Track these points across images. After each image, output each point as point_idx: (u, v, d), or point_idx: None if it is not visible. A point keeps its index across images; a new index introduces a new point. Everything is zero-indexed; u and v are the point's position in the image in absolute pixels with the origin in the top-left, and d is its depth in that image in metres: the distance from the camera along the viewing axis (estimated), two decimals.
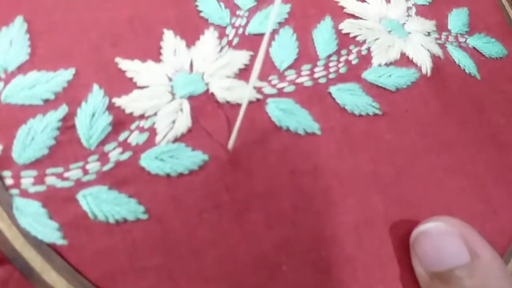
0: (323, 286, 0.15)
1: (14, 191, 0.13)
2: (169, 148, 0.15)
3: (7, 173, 0.14)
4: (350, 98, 0.18)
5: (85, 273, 0.13)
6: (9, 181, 0.14)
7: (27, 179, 0.14)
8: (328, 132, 0.17)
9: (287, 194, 0.15)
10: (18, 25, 0.15)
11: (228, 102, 0.16)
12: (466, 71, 0.20)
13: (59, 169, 0.14)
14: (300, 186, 0.16)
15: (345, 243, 0.15)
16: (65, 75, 0.15)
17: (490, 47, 0.21)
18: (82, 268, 0.13)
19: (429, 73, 0.19)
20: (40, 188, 0.14)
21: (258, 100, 0.16)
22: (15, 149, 0.14)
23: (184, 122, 0.15)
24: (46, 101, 0.14)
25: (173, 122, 0.15)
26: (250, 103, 0.16)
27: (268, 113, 0.16)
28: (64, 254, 0.13)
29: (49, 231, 0.13)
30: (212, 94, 0.16)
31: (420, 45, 0.20)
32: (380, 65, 0.19)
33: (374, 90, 0.18)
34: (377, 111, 0.18)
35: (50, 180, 0.14)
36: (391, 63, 0.19)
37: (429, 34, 0.20)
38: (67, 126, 0.14)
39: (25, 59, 0.15)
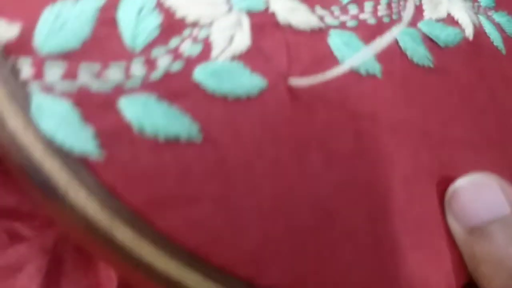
0: (374, 235, 0.13)
1: (35, 85, 0.10)
2: (227, 66, 0.12)
3: (25, 61, 0.10)
4: (411, 44, 0.16)
5: (124, 196, 0.10)
6: (28, 71, 0.10)
7: (54, 72, 0.10)
8: (388, 76, 0.15)
9: (346, 136, 0.14)
10: None
11: (290, 25, 0.14)
12: (494, 43, 0.20)
13: (96, 66, 0.11)
14: (359, 130, 0.14)
15: (396, 195, 0.14)
16: None
17: (511, 25, 0.21)
18: (120, 190, 0.10)
19: (471, 37, 0.19)
20: (71, 85, 0.10)
21: (320, 29, 0.14)
22: (38, 33, 0.10)
23: (243, 39, 0.13)
24: None
25: (231, 37, 0.13)
26: (312, 32, 0.14)
27: (330, 45, 0.14)
28: (98, 170, 0.10)
29: (81, 137, 0.10)
30: (273, 13, 0.14)
31: (463, 8, 0.19)
32: (431, 19, 0.18)
33: (428, 42, 0.17)
34: (430, 64, 0.17)
35: (84, 78, 0.11)
36: (440, 20, 0.18)
37: (465, 0, 0.20)
38: (107, 18, 0.11)
39: None
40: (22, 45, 0.10)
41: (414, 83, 0.16)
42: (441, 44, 0.17)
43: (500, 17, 0.22)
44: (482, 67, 0.19)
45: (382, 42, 0.15)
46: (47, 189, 0.10)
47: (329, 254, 0.12)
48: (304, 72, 0.14)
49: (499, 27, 0.21)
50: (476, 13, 0.21)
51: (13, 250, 0.18)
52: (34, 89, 0.10)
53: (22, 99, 0.10)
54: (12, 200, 0.18)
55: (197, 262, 0.11)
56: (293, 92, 0.13)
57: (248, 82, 0.12)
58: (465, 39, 0.19)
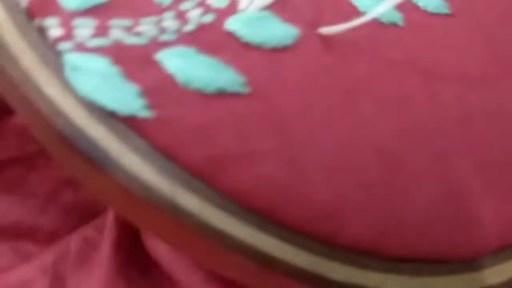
0: (444, 178, 0.12)
1: (66, 45, 0.09)
2: (257, 15, 0.11)
3: (52, 21, 0.09)
4: None
5: (181, 158, 0.09)
6: (56, 32, 0.09)
7: (84, 30, 0.09)
8: (409, 25, 0.15)
9: (388, 82, 0.13)
10: None
11: None
12: None
13: (127, 22, 0.10)
14: (399, 75, 0.13)
15: (454, 137, 0.13)
16: None
17: None
18: (176, 152, 0.09)
19: None
20: (104, 41, 0.09)
21: None
22: None
23: None
24: None
25: None
26: None
27: None
28: (149, 133, 0.09)
29: (126, 97, 0.09)
30: None
31: None
32: None
33: None
34: (447, 11, 0.16)
35: (117, 34, 0.09)
36: None
37: None
38: None
39: None
40: (46, 4, 0.09)
41: (437, 29, 0.15)
42: None
43: None
44: (505, 8, 0.19)
45: None
46: (95, 158, 0.09)
47: (403, 203, 0.11)
48: (331, 22, 0.13)
49: None
50: None
51: (16, 270, 0.17)
52: (66, 49, 0.09)
53: (54, 63, 0.09)
54: (13, 214, 0.18)
55: (270, 224, 0.10)
56: (326, 41, 0.13)
57: (281, 31, 0.12)
58: None
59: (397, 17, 0.15)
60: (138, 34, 0.10)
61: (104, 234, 0.16)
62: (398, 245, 0.11)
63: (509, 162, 0.14)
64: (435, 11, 0.16)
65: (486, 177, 0.13)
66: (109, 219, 0.16)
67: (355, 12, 0.14)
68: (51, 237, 0.18)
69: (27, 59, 0.09)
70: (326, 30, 0.13)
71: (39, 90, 0.09)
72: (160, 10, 0.10)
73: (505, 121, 0.15)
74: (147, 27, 0.10)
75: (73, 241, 0.17)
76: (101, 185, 0.09)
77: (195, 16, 0.11)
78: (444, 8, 0.16)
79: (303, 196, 0.10)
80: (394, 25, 0.15)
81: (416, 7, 0.16)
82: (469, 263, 0.12)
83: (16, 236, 0.18)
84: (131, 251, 0.17)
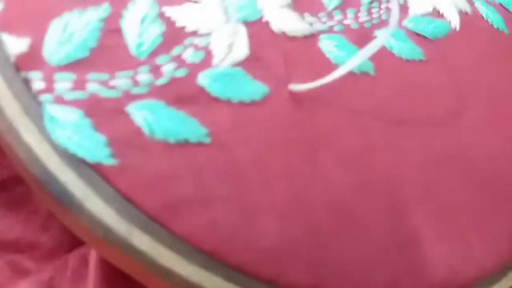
0: (395, 231, 0.13)
1: (46, 96, 0.10)
2: (229, 72, 0.12)
3: (36, 75, 0.10)
4: (396, 42, 0.16)
5: (140, 202, 0.10)
6: (39, 85, 0.10)
7: (64, 83, 0.10)
8: (381, 73, 0.15)
9: (351, 134, 0.14)
10: None
11: (284, 33, 0.14)
12: (494, 26, 0.20)
13: (104, 76, 0.11)
14: (364, 127, 0.14)
15: (414, 185, 0.14)
16: None
17: None
18: (136, 197, 0.10)
19: (457, 28, 0.19)
20: (81, 94, 0.10)
21: (312, 34, 0.15)
22: (47, 45, 0.10)
23: (241, 48, 0.13)
24: None
25: (230, 46, 0.13)
26: (304, 37, 0.14)
27: (322, 49, 0.15)
28: (112, 178, 0.10)
29: (94, 146, 0.10)
30: (267, 22, 0.14)
31: (448, 1, 0.20)
32: (416, 15, 0.18)
33: (415, 37, 0.17)
34: (421, 57, 0.17)
35: (93, 87, 0.11)
36: (425, 15, 0.18)
37: None
38: (111, 29, 0.11)
39: None
40: (31, 58, 0.10)
41: (408, 75, 0.16)
42: (430, 36, 0.18)
43: None
44: (478, 51, 0.19)
45: (374, 46, 0.15)
46: (64, 200, 0.10)
47: (350, 253, 0.12)
48: (303, 77, 0.14)
49: (500, 8, 0.22)
50: (471, 0, 0.21)
51: (14, 285, 0.18)
52: (46, 100, 0.10)
53: (35, 112, 0.10)
54: (14, 232, 0.18)
55: (216, 265, 0.11)
56: (294, 97, 0.13)
57: (251, 87, 0.13)
58: (453, 30, 0.19)
59: (369, 67, 0.15)
60: (112, 87, 0.11)
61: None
62: None
63: (466, 207, 0.15)
64: (410, 57, 0.17)
65: (440, 224, 0.14)
66: None
67: (328, 65, 0.15)
68: (49, 255, 0.18)
69: (11, 108, 0.10)
70: (296, 87, 0.13)
71: (19, 138, 0.10)
72: (136, 64, 0.11)
73: (467, 166, 0.16)
74: (122, 81, 0.11)
75: (71, 259, 0.17)
76: (70, 223, 0.10)
77: (168, 70, 0.12)
78: (419, 55, 0.17)
79: (250, 240, 0.11)
80: (365, 74, 0.15)
81: (391, 54, 0.17)
82: None
83: (15, 252, 0.18)
84: None
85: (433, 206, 0.14)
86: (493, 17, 0.20)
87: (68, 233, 0.17)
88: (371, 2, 0.17)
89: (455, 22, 0.19)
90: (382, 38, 0.15)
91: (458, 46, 0.19)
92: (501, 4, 0.21)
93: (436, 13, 0.19)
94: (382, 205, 0.13)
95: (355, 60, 0.14)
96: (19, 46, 0.10)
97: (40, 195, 0.10)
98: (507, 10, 0.21)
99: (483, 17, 0.20)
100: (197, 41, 0.12)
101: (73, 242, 0.17)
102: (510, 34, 0.20)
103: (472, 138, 0.16)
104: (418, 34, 0.18)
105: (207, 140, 0.11)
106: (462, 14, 0.20)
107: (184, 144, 0.11)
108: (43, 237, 0.18)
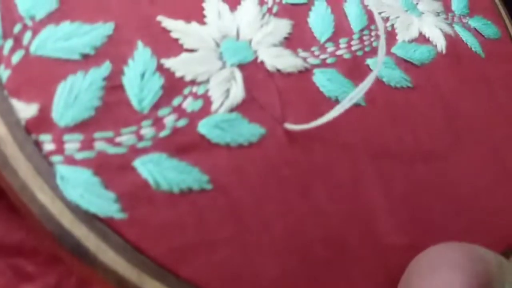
0: (384, 259, 0.14)
1: (57, 158, 0.11)
2: (227, 118, 0.13)
3: (46, 137, 0.11)
4: (385, 70, 0.17)
5: (149, 250, 0.11)
6: (49, 147, 0.11)
7: (72, 144, 0.11)
8: (372, 103, 0.16)
9: (342, 167, 0.14)
10: None
11: (278, 70, 0.15)
12: (473, 49, 0.21)
13: (109, 133, 0.11)
14: (352, 159, 0.15)
15: (399, 214, 0.15)
16: (104, 29, 0.12)
17: (488, 28, 0.22)
18: (144, 245, 0.11)
19: (444, 51, 0.20)
20: (89, 154, 0.11)
21: (306, 69, 0.15)
22: (55, 108, 0.11)
23: (238, 92, 0.13)
24: (86, 56, 0.12)
25: (227, 91, 0.13)
26: (299, 73, 0.15)
27: (316, 83, 0.15)
28: (123, 230, 0.11)
29: (104, 203, 0.11)
30: (262, 62, 0.14)
31: (433, 24, 0.20)
32: (404, 42, 0.19)
33: (403, 64, 0.18)
34: (409, 84, 0.18)
35: (100, 145, 0.11)
36: (412, 40, 0.19)
37: (438, 14, 0.21)
38: (114, 85, 0.12)
39: (55, 7, 0.12)
40: (41, 122, 0.11)
41: (397, 104, 0.17)
42: (417, 63, 0.18)
43: (475, 22, 0.23)
44: (462, 74, 0.20)
45: (358, 75, 0.16)
46: (78, 253, 0.10)
47: (343, 281, 0.13)
48: (298, 114, 0.15)
49: (475, 32, 0.22)
50: (451, 24, 0.22)
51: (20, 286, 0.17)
52: (57, 162, 0.11)
53: (47, 172, 0.11)
54: (16, 237, 0.18)
55: None
56: (290, 135, 0.14)
57: (248, 130, 0.13)
58: (439, 54, 0.20)
59: (361, 99, 0.16)
60: (118, 144, 0.11)
61: None
62: None
63: (446, 236, 0.16)
64: (398, 85, 0.17)
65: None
66: None
67: (322, 99, 0.16)
68: (53, 259, 0.17)
69: (24, 169, 0.11)
70: (292, 127, 0.14)
71: (34, 197, 0.10)
72: (140, 119, 0.12)
73: (451, 198, 0.16)
74: (127, 137, 0.12)
75: None
76: (83, 273, 0.11)
77: (170, 121, 0.12)
78: (406, 82, 0.18)
79: (252, 278, 0.12)
80: (357, 105, 0.16)
81: (380, 83, 0.17)
82: None
83: (17, 256, 0.17)
84: None
85: (415, 236, 0.15)
86: (471, 41, 0.21)
87: None
88: (362, 30, 0.18)
89: (441, 45, 0.20)
90: (375, 71, 0.16)
91: (444, 70, 0.19)
92: (475, 29, 0.22)
93: (422, 38, 0.20)
94: (369, 236, 0.14)
95: (353, 97, 0.15)
96: (29, 111, 0.11)
97: (54, 249, 0.11)
98: (481, 34, 0.22)
99: (463, 41, 0.21)
100: (195, 89, 0.13)
101: None
102: (485, 58, 0.21)
103: (458, 170, 0.17)
104: (406, 61, 0.18)
105: (208, 186, 0.12)
106: (447, 35, 0.21)
107: (187, 193, 0.12)
108: (46, 241, 0.17)
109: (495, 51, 0.22)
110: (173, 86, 0.13)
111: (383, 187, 0.15)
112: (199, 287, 0.11)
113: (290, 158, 0.14)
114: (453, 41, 0.21)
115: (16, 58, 0.12)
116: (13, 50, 0.12)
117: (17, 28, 0.12)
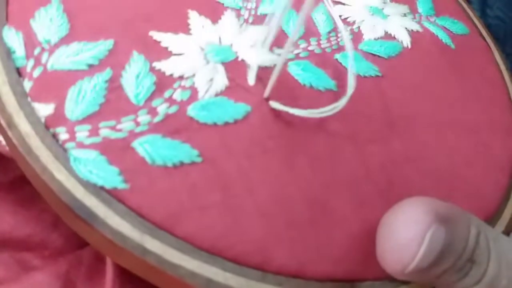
0: (364, 218, 0.14)
1: (70, 144, 0.13)
2: (213, 101, 0.14)
3: (61, 129, 0.13)
4: (354, 63, 0.18)
5: (148, 215, 0.12)
6: (64, 136, 0.13)
7: (82, 133, 0.13)
8: (343, 89, 0.17)
9: (320, 141, 0.16)
10: (56, 5, 0.15)
11: (257, 65, 0.16)
12: (443, 41, 0.22)
13: (112, 122, 0.13)
14: (331, 133, 0.16)
15: (378, 181, 0.15)
16: (105, 44, 0.14)
17: (456, 26, 0.23)
18: (144, 211, 0.12)
19: (409, 46, 0.21)
20: (96, 139, 0.13)
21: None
22: (67, 106, 0.13)
23: (222, 80, 0.15)
24: (91, 66, 0.14)
25: (211, 80, 0.15)
26: (275, 66, 0.17)
27: (291, 73, 0.17)
28: (126, 199, 0.12)
29: (110, 176, 0.12)
30: (242, 60, 0.16)
31: (398, 24, 0.21)
32: (370, 39, 0.20)
33: (371, 57, 0.19)
34: (378, 73, 0.19)
35: (104, 132, 0.13)
36: (378, 38, 0.20)
37: (405, 15, 0.22)
38: (114, 86, 0.14)
39: (66, 33, 0.14)
40: (57, 118, 0.13)
41: (367, 89, 0.18)
42: (384, 55, 0.20)
43: (443, 21, 0.24)
44: (432, 63, 0.21)
45: (329, 66, 0.17)
46: (90, 220, 0.12)
47: (325, 239, 0.13)
48: (279, 95, 0.16)
49: (445, 29, 0.24)
50: (419, 22, 0.23)
51: (28, 277, 0.18)
52: (70, 147, 0.12)
53: (63, 157, 0.12)
54: (24, 231, 0.18)
55: (215, 259, 0.12)
56: (274, 112, 0.15)
57: (233, 109, 0.15)
58: (406, 48, 0.21)
59: (331, 84, 0.17)
60: (120, 130, 0.13)
61: None
62: (319, 271, 0.13)
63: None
64: (366, 74, 0.19)
65: None
66: None
67: (298, 85, 0.17)
68: (59, 253, 0.18)
69: (45, 156, 0.12)
70: (276, 105, 0.15)
71: (53, 177, 0.12)
72: (136, 109, 0.14)
73: (424, 163, 0.17)
74: (126, 124, 0.13)
75: (85, 255, 0.18)
76: (94, 237, 0.12)
77: (163, 109, 0.14)
78: (375, 71, 0.19)
79: (239, 236, 0.13)
80: (329, 90, 0.17)
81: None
82: (382, 280, 0.14)
83: (25, 250, 0.18)
84: None
85: (394, 201, 0.16)
86: (441, 34, 0.22)
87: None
88: (329, 32, 0.19)
89: (406, 41, 0.21)
90: (351, 69, 0.17)
91: (411, 61, 0.21)
92: (444, 26, 0.23)
93: (388, 36, 0.21)
94: (350, 199, 0.15)
95: (337, 106, 0.16)
96: (47, 110, 0.13)
97: (68, 219, 0.12)
98: (450, 31, 0.23)
99: (433, 34, 0.22)
100: (183, 83, 0.15)
101: (82, 241, 0.17)
102: (456, 49, 0.22)
103: (425, 138, 0.18)
104: (373, 54, 0.20)
105: (198, 159, 0.13)
106: (413, 32, 0.22)
107: (179, 166, 0.13)
108: (53, 235, 0.18)
109: (465, 44, 0.23)
110: (164, 82, 0.14)
111: (361, 161, 0.16)
112: (193, 244, 0.12)
113: (274, 132, 0.15)
114: (420, 36, 0.22)
115: (36, 73, 0.14)
116: (34, 67, 0.14)
117: (36, 51, 0.14)
